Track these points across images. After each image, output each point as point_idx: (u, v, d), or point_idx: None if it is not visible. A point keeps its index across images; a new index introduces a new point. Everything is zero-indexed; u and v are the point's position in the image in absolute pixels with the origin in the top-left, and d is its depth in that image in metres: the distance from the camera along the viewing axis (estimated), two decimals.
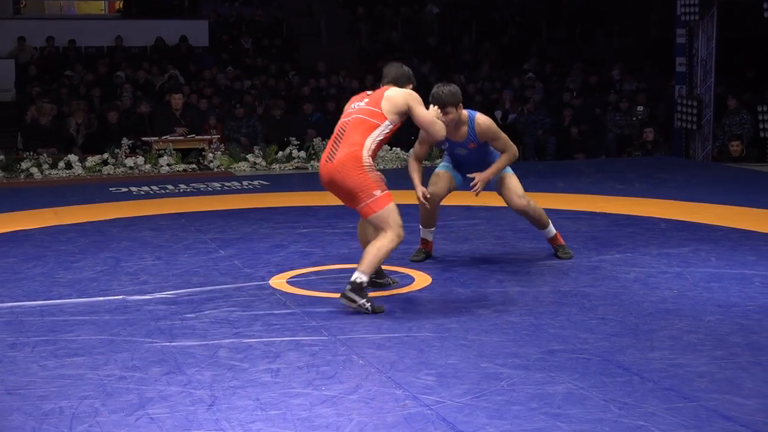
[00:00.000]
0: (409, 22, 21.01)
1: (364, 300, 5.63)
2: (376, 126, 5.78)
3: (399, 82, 6.01)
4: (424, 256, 7.13)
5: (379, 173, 5.79)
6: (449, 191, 6.98)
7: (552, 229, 7.15)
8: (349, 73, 17.97)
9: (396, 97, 5.84)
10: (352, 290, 5.63)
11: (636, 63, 19.27)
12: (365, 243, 6.13)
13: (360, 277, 5.63)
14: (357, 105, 5.94)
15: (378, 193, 5.70)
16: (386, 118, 5.79)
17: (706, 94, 14.08)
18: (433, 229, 7.12)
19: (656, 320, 5.48)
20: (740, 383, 4.42)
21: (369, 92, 6.03)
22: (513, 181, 6.92)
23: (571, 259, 7.06)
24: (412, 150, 7.01)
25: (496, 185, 6.93)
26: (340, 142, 5.81)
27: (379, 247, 5.68)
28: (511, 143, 6.84)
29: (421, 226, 7.11)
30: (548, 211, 7.18)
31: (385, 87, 6.00)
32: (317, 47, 20.09)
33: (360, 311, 5.62)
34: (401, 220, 5.76)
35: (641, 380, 4.47)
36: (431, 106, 6.22)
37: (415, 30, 20.81)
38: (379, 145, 5.82)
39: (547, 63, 19.03)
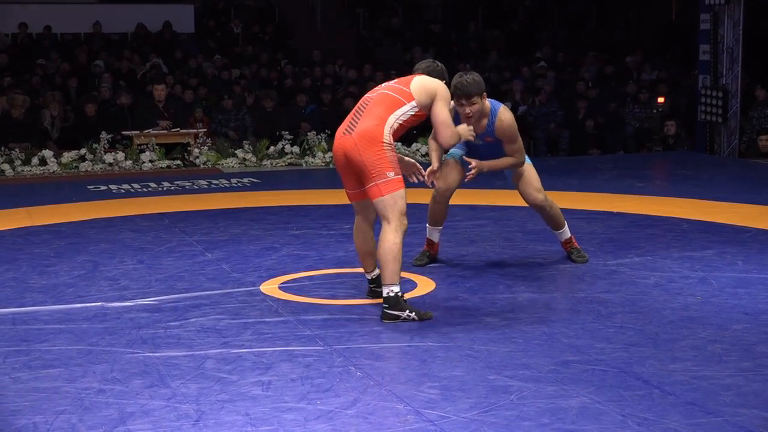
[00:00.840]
0: (411, 7, 21.02)
1: (407, 312, 5.65)
2: (402, 104, 5.80)
3: (431, 76, 6.07)
4: (428, 261, 7.12)
5: (396, 154, 5.79)
6: (460, 182, 6.94)
7: (567, 231, 7.16)
8: (346, 62, 17.98)
9: (428, 83, 5.91)
10: (389, 308, 5.66)
11: (656, 51, 19.28)
12: (361, 246, 6.10)
13: (390, 290, 5.65)
14: (384, 84, 6.03)
15: (391, 174, 5.68)
16: (413, 98, 5.82)
17: (733, 85, 14.08)
18: (441, 228, 7.11)
19: (678, 329, 5.48)
20: None
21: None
22: (531, 173, 6.93)
23: (587, 263, 7.06)
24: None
25: (511, 176, 6.96)
26: (361, 115, 5.82)
27: (388, 249, 5.63)
28: (524, 153, 6.85)
29: (428, 225, 7.10)
30: (561, 211, 7.17)
31: (417, 73, 6.06)
32: (312, 34, 20.09)
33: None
34: (405, 207, 5.73)
35: (662, 393, 4.47)
36: (464, 125, 6.30)
37: (418, 15, 20.82)
38: (402, 128, 5.83)
39: (559, 51, 19.03)
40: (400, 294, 5.67)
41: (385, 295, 5.67)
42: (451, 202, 7.03)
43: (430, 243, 7.15)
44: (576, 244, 7.20)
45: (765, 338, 5.28)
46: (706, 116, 14.39)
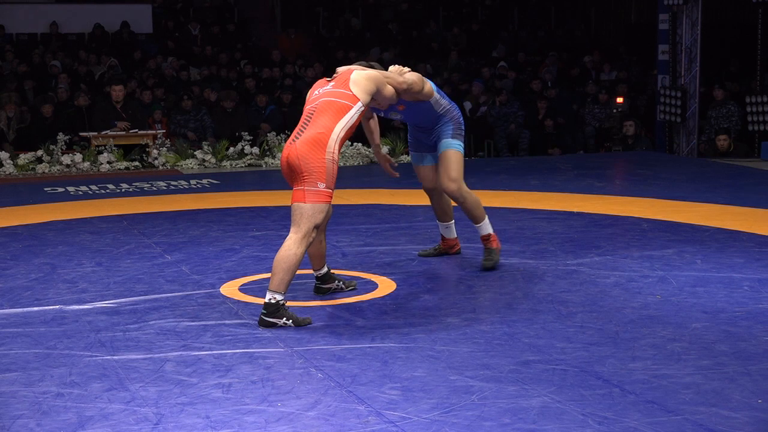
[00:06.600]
0: (371, 6, 21.04)
1: (284, 319, 5.58)
2: (348, 108, 5.78)
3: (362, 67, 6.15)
4: (434, 253, 7.32)
5: (336, 168, 5.70)
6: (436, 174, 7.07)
7: (487, 227, 6.97)
8: (305, 62, 17.97)
9: (361, 81, 5.91)
10: (267, 315, 5.59)
11: (615, 51, 19.43)
12: (313, 252, 6.12)
13: (273, 297, 5.59)
14: (322, 90, 5.94)
15: (322, 186, 5.62)
16: (358, 100, 5.82)
17: (691, 85, 14.21)
18: (447, 223, 7.27)
19: (638, 328, 5.52)
20: (727, 395, 4.47)
21: (330, 78, 6.05)
22: (452, 161, 6.80)
23: (495, 270, 6.89)
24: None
25: (438, 158, 6.89)
26: (307, 125, 5.75)
27: (286, 258, 5.57)
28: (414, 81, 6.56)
29: (438, 221, 7.33)
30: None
31: (348, 69, 6.05)
32: (271, 34, 20.06)
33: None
34: (321, 221, 5.68)
35: (622, 392, 4.50)
36: (394, 66, 6.49)
37: (378, 15, 20.84)
38: (348, 133, 5.78)
39: (519, 51, 19.12)
40: (282, 302, 5.59)
41: (266, 300, 5.61)
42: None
43: (442, 238, 7.36)
44: (495, 244, 6.98)
45: (723, 337, 5.34)
46: (665, 116, 14.51)
